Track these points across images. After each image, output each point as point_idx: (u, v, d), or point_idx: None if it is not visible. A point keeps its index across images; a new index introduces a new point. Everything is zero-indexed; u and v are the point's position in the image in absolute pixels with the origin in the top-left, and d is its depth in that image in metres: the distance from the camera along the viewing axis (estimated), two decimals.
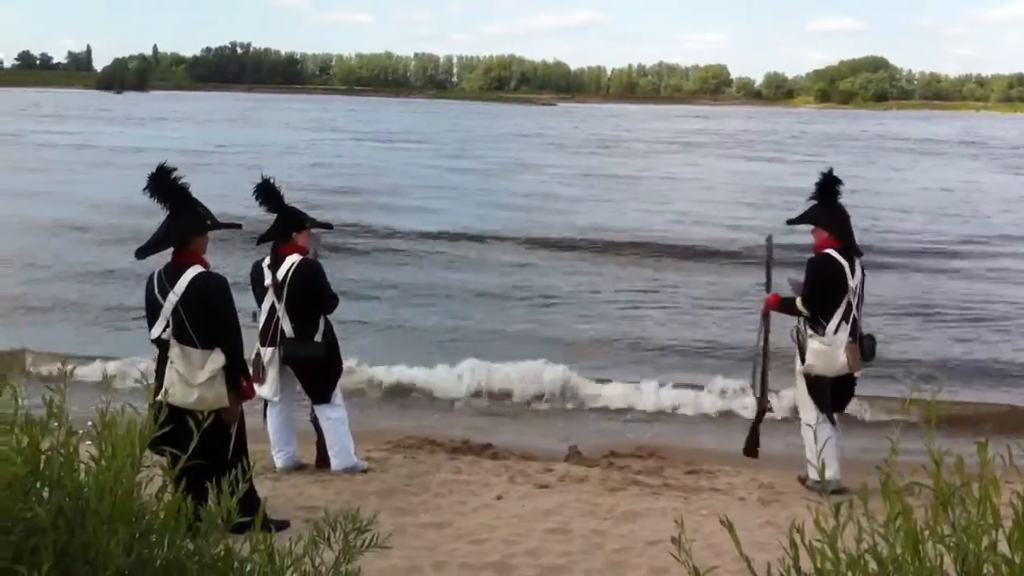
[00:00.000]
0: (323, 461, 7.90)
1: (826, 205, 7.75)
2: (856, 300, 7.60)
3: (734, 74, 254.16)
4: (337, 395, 7.83)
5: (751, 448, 8.20)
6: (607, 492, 7.56)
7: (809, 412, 7.64)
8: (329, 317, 7.75)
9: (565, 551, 6.18)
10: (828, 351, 7.53)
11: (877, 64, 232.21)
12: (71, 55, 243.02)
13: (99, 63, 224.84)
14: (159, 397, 5.31)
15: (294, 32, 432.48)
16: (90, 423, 2.41)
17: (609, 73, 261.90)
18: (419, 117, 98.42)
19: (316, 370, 7.66)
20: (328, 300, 7.68)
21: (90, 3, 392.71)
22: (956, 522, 2.20)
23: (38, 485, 2.29)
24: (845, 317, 7.54)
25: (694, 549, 2.33)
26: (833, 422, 7.66)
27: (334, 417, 7.75)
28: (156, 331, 6.13)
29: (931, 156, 57.29)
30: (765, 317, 8.02)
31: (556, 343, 13.20)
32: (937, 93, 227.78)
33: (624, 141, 64.89)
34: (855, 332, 7.59)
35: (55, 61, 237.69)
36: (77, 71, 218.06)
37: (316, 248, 8.03)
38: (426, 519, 6.78)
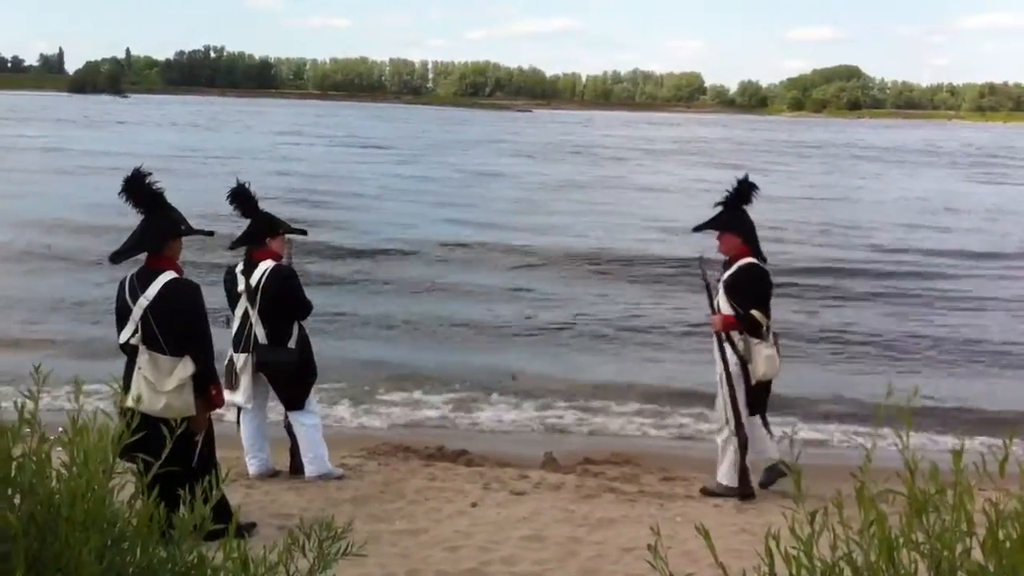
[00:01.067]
0: (297, 468, 7.87)
1: (735, 211, 7.81)
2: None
3: (709, 82, 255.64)
4: (311, 402, 7.80)
5: (746, 486, 7.78)
6: (582, 499, 7.56)
7: (735, 418, 7.74)
8: (303, 323, 7.72)
9: (540, 558, 6.18)
10: (774, 355, 7.67)
11: (850, 73, 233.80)
12: (43, 58, 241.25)
13: (71, 66, 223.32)
14: (127, 403, 5.26)
15: (269, 36, 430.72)
16: (61, 429, 2.39)
17: (584, 80, 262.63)
18: (388, 122, 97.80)
19: (289, 377, 7.62)
20: (302, 306, 7.65)
21: (63, 6, 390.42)
22: (930, 529, 2.21)
23: (9, 492, 2.27)
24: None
25: (670, 556, 2.33)
26: (767, 423, 7.90)
27: (308, 424, 7.72)
28: (125, 336, 6.08)
29: (904, 165, 57.76)
30: (719, 339, 7.79)
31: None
32: (909, 102, 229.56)
33: (597, 148, 64.97)
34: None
35: (27, 64, 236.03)
36: (49, 74, 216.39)
37: (290, 254, 8.00)
38: (401, 526, 6.76)
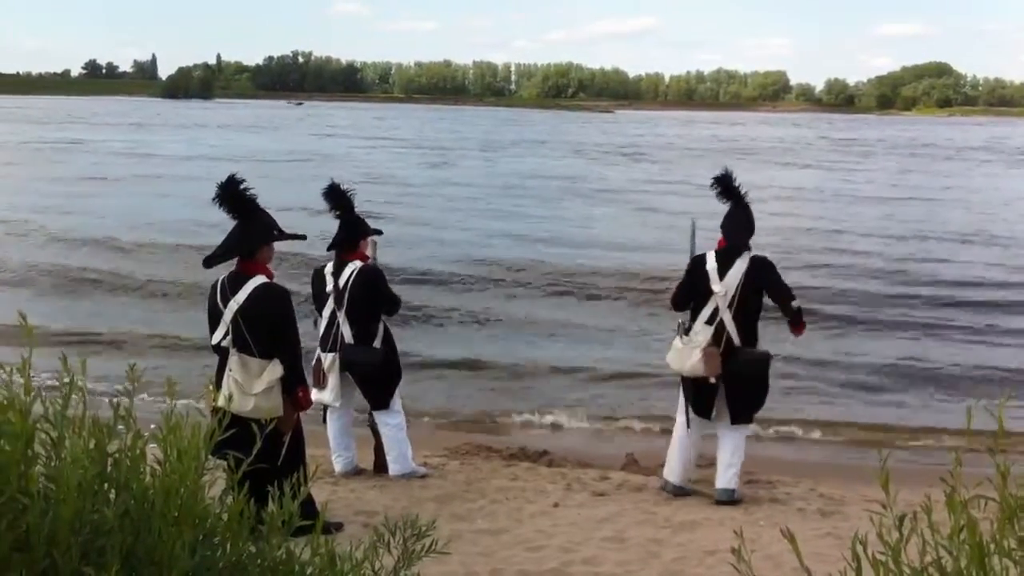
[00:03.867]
0: (381, 466, 7.96)
1: (731, 204, 7.62)
2: (730, 306, 7.37)
3: (794, 80, 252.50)
4: (396, 401, 7.87)
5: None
6: (664, 501, 7.52)
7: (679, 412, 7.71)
8: (389, 324, 7.81)
9: (622, 560, 6.16)
10: (682, 350, 7.43)
11: (941, 70, 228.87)
12: (136, 64, 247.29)
13: (164, 72, 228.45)
14: (217, 403, 5.38)
15: (355, 41, 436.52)
16: (153, 426, 2.46)
17: (667, 80, 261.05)
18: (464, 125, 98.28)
19: (374, 376, 7.71)
20: (390, 302, 7.73)
21: (156, 13, 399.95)
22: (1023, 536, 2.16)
23: (105, 487, 2.34)
24: (710, 321, 7.39)
25: (753, 560, 2.31)
26: (687, 424, 7.64)
27: (392, 423, 7.80)
28: (216, 337, 6.21)
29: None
30: None
31: None
32: (1002, 99, 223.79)
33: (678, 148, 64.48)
34: (720, 339, 7.37)
35: (121, 70, 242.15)
36: (143, 80, 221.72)
37: (375, 255, 8.08)
38: (483, 525, 6.79)
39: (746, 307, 7.38)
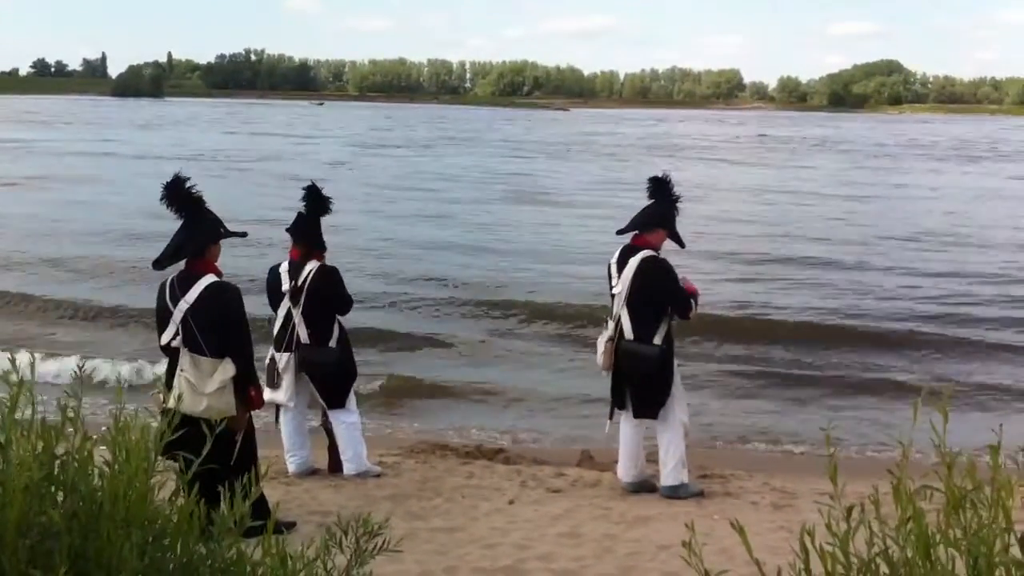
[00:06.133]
0: (336, 466, 7.92)
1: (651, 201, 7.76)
2: (622, 304, 7.52)
3: (748, 78, 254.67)
4: (351, 400, 7.84)
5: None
6: (619, 496, 7.55)
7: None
8: (344, 323, 7.78)
9: (577, 555, 6.18)
10: (597, 343, 7.73)
11: (891, 67, 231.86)
12: (86, 62, 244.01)
13: (114, 70, 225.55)
14: (168, 404, 5.33)
15: (309, 38, 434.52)
16: (103, 428, 2.43)
17: (622, 78, 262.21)
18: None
19: (330, 376, 7.68)
20: (344, 302, 7.70)
21: (105, 11, 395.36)
22: (968, 525, 2.19)
23: (53, 489, 2.31)
24: (614, 317, 7.59)
25: (706, 553, 2.33)
26: (611, 416, 7.80)
27: (348, 422, 7.77)
28: (165, 338, 6.15)
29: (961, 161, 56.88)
30: None
31: None
32: (952, 96, 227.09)
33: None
34: (615, 335, 7.56)
35: (70, 68, 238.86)
36: (92, 78, 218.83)
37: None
38: (438, 524, 6.78)
39: (640, 304, 7.47)
